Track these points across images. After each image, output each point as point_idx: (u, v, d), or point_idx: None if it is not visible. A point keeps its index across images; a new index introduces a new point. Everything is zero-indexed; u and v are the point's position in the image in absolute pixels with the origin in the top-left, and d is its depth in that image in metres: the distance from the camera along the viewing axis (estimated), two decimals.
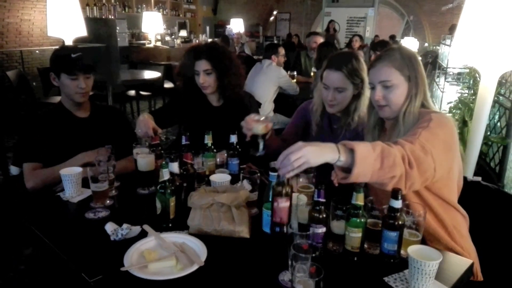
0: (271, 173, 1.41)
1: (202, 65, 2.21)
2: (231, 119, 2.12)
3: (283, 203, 1.35)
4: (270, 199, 1.40)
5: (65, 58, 1.99)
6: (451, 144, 1.42)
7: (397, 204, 1.26)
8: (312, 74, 5.17)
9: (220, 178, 1.75)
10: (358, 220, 1.30)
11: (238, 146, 1.92)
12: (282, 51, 4.54)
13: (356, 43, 7.43)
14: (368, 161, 1.19)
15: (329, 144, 1.23)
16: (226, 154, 1.96)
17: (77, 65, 1.98)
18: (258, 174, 1.64)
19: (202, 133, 1.91)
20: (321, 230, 1.32)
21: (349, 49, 7.35)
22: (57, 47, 6.46)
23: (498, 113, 3.36)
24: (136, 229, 1.46)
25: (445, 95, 4.24)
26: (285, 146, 1.23)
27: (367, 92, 1.89)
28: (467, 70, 3.91)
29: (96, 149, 1.85)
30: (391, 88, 1.53)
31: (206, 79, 2.22)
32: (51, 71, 2.05)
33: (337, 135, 1.92)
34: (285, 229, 1.37)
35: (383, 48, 4.29)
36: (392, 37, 10.01)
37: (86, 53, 2.04)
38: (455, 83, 4.56)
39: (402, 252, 1.32)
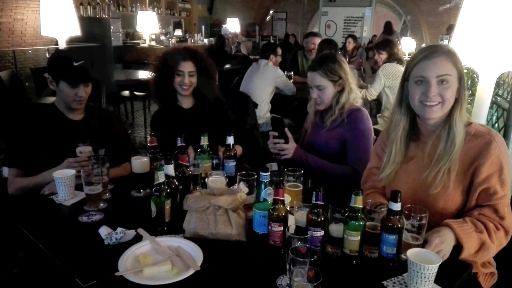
0: (262, 174, 1.40)
1: (188, 67, 2.24)
2: (202, 121, 2.13)
3: (276, 228, 1.34)
4: (261, 200, 1.39)
5: (67, 66, 1.93)
6: None
7: (396, 206, 1.25)
8: None
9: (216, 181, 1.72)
10: (356, 223, 1.28)
11: (234, 148, 1.90)
12: (279, 51, 4.52)
13: (350, 45, 7.34)
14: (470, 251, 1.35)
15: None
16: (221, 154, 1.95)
17: (79, 75, 1.94)
18: (255, 176, 1.63)
19: (174, 135, 1.88)
20: (319, 233, 1.31)
21: (344, 50, 7.33)
22: (51, 47, 6.45)
23: (496, 114, 3.36)
24: (131, 233, 1.44)
25: None
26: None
27: (350, 87, 2.10)
28: (465, 71, 3.92)
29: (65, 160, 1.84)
30: (448, 85, 1.39)
31: (190, 80, 2.25)
32: (49, 75, 1.99)
33: (326, 125, 2.14)
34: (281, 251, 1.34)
35: (386, 48, 4.28)
36: (388, 24, 9.65)
37: (83, 55, 2.00)
38: None
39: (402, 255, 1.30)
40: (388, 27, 8.83)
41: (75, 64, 1.93)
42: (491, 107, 3.17)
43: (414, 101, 1.45)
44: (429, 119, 1.46)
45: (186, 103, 2.36)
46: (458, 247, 1.33)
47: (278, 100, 4.46)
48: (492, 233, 1.37)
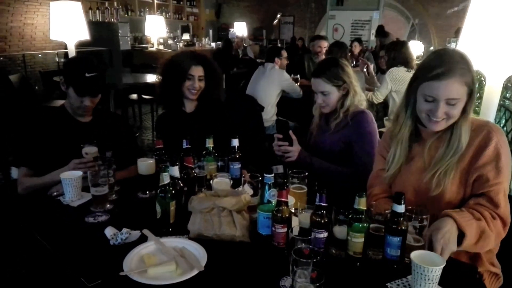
0: (266, 175, 1.40)
1: (199, 71, 2.26)
2: (205, 125, 2.16)
3: (280, 229, 1.34)
4: (265, 201, 1.40)
5: (79, 76, 1.95)
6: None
7: (400, 208, 1.25)
8: None
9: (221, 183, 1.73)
10: (360, 225, 1.28)
11: (239, 150, 1.91)
12: (284, 53, 4.52)
13: (356, 49, 7.30)
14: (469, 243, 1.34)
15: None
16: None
17: (88, 87, 1.96)
18: (260, 178, 1.63)
19: (178, 139, 1.89)
20: (323, 235, 1.31)
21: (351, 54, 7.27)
22: (61, 51, 6.52)
23: (504, 117, 3.34)
24: (136, 234, 1.45)
25: None
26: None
27: (355, 90, 2.12)
28: None
29: (72, 161, 1.85)
30: (456, 106, 1.40)
31: (199, 85, 2.27)
32: (62, 75, 2.03)
33: (331, 128, 2.16)
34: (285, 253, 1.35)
35: (387, 51, 4.25)
36: (381, 27, 9.55)
37: (99, 62, 2.00)
38: None
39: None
40: (380, 31, 8.78)
41: (87, 75, 1.94)
42: (498, 110, 3.15)
43: (420, 113, 1.48)
44: (433, 130, 1.49)
45: (190, 107, 2.37)
46: (459, 238, 1.33)
47: (285, 103, 4.46)
48: (489, 221, 1.37)
